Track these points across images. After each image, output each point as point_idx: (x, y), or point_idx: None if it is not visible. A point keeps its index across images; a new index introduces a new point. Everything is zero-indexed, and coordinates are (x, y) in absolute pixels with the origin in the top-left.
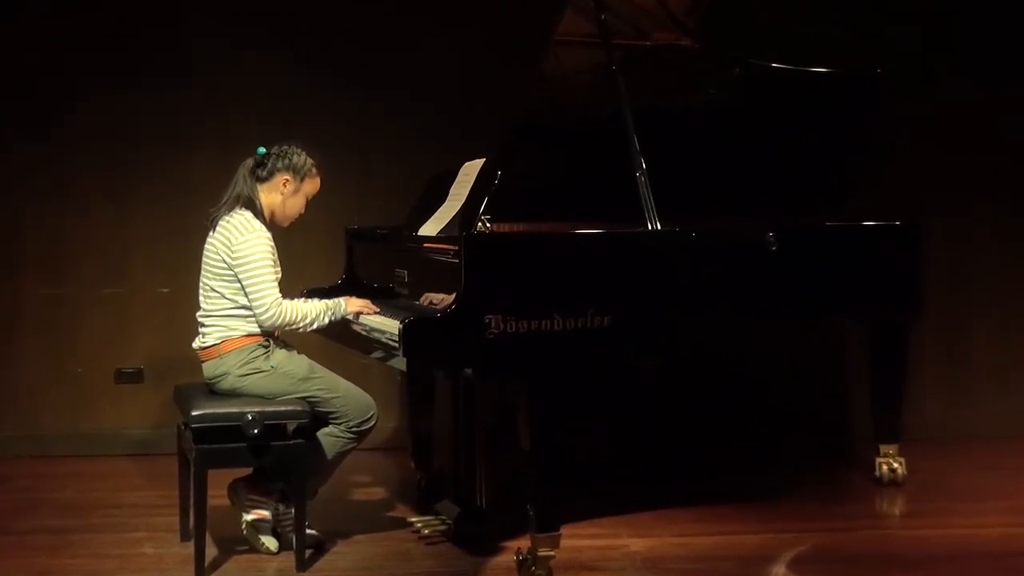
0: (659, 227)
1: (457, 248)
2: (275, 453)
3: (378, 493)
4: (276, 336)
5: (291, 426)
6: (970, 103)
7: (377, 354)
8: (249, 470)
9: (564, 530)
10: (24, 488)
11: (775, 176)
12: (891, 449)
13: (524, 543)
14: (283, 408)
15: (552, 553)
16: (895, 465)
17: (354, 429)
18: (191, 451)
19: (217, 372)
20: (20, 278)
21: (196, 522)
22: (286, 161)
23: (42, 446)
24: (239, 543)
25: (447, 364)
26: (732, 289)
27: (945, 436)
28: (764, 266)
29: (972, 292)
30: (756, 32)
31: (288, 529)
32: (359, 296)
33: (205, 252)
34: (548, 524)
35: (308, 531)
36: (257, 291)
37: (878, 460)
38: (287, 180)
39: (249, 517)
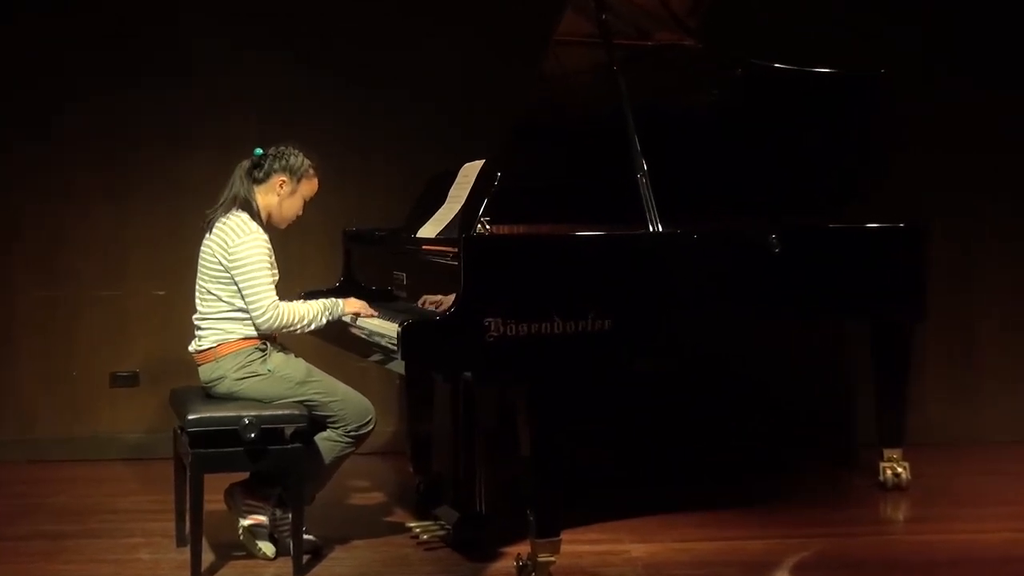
0: (660, 229)
1: (456, 250)
2: (272, 457)
3: (376, 498)
4: (274, 339)
5: (288, 430)
6: (970, 103)
7: (375, 357)
8: (246, 475)
9: (564, 535)
10: (19, 493)
11: (777, 177)
12: (895, 453)
13: (524, 548)
14: (280, 412)
15: (552, 559)
16: (899, 470)
17: (352, 433)
18: (187, 455)
19: (213, 375)
20: (16, 279)
21: (192, 527)
22: (283, 162)
23: (37, 450)
24: (236, 548)
25: (446, 367)
26: (734, 291)
27: (948, 440)
28: (767, 268)
29: (975, 294)
30: (756, 32)
31: (285, 534)
32: (357, 299)
33: (201, 254)
34: (548, 529)
35: (306, 536)
36: (253, 294)
37: (882, 464)
38: (284, 181)
39: (246, 522)
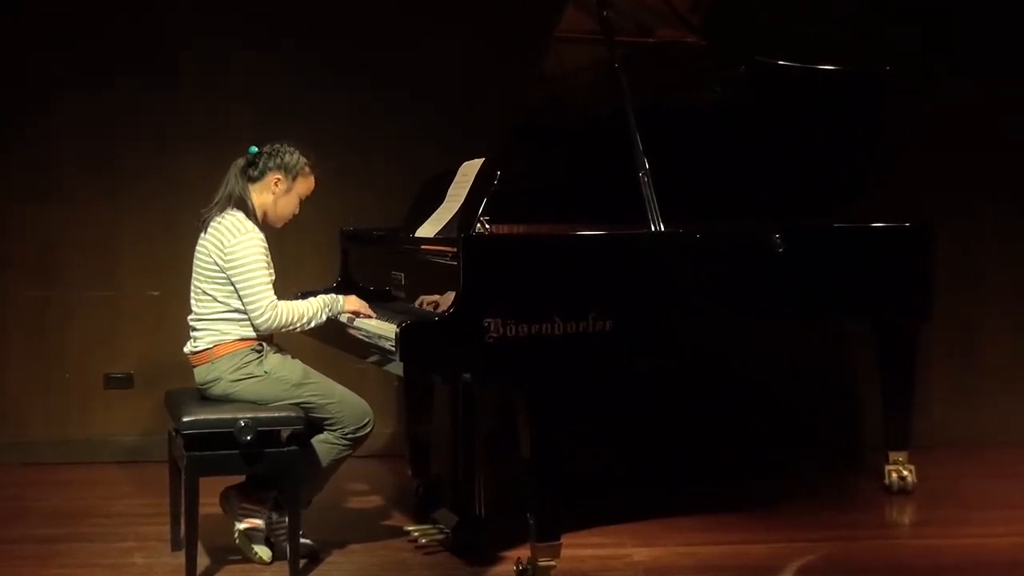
0: (662, 228)
1: (455, 250)
2: (268, 460)
3: (374, 501)
4: (270, 340)
5: (285, 433)
6: (971, 103)
7: (373, 358)
8: (242, 478)
9: (565, 539)
10: (11, 496)
11: (780, 176)
12: (900, 456)
13: (524, 552)
14: (277, 414)
15: (553, 563)
16: (905, 473)
17: (349, 436)
18: (182, 458)
19: (209, 377)
20: (6, 280)
21: (187, 531)
22: (277, 160)
23: (29, 453)
24: (231, 553)
25: (445, 369)
26: (738, 292)
27: (954, 442)
28: (770, 268)
29: (981, 294)
30: (755, 33)
31: (282, 538)
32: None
33: (196, 254)
34: (549, 533)
35: (302, 540)
36: (251, 294)
37: (887, 468)
38: (279, 179)
39: (242, 526)
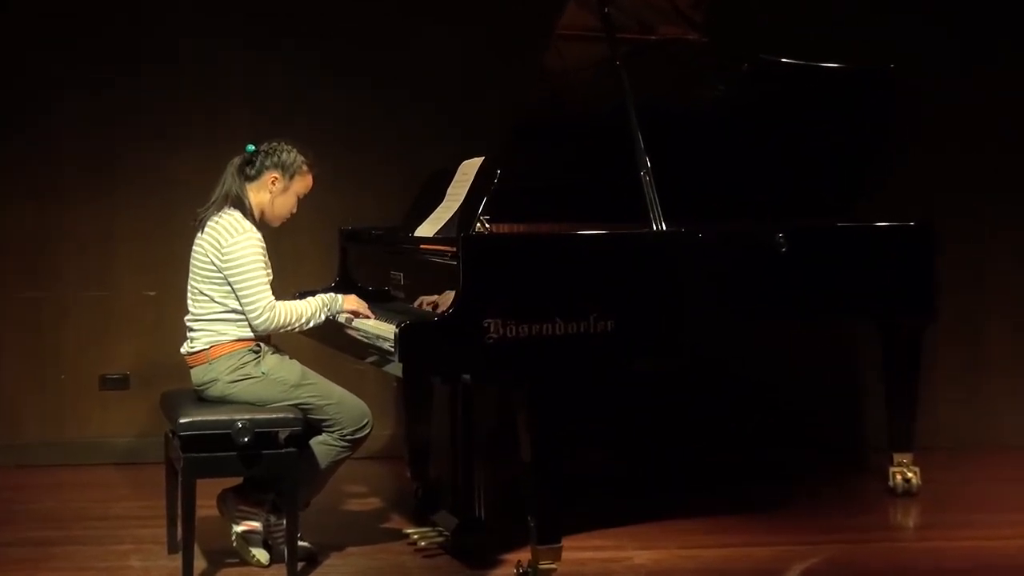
0: (664, 228)
1: (455, 250)
2: (266, 462)
3: (373, 504)
4: (268, 341)
5: (283, 434)
6: (972, 103)
7: (372, 359)
8: (239, 480)
9: (566, 542)
10: (5, 499)
11: (784, 175)
12: (905, 458)
13: (524, 555)
14: (274, 415)
15: (554, 566)
16: (909, 475)
17: (348, 437)
18: (179, 460)
19: (206, 378)
20: (1, 280)
21: (184, 534)
22: (275, 158)
23: (24, 455)
24: (229, 555)
25: (444, 370)
26: (740, 292)
27: (959, 444)
28: (773, 268)
29: (987, 294)
30: (755, 33)
31: (280, 541)
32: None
33: (193, 254)
34: (549, 536)
35: (300, 543)
36: (249, 295)
37: (892, 470)
38: (276, 178)
39: (239, 528)
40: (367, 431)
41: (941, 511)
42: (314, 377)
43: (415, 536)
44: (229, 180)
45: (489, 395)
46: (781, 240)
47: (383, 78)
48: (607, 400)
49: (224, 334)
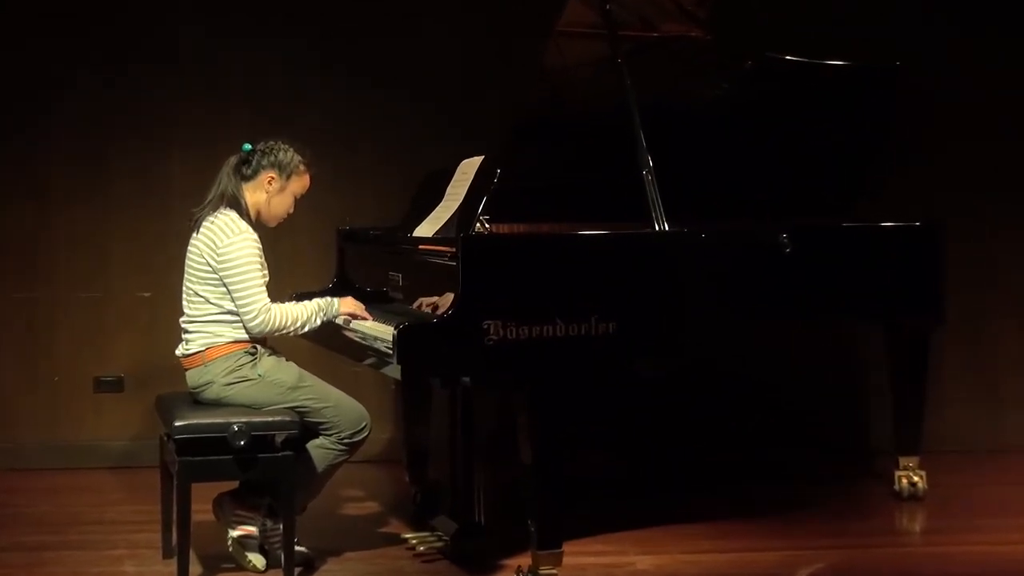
0: (667, 228)
1: (454, 250)
2: (262, 466)
3: (371, 508)
4: (264, 343)
5: (279, 437)
6: (973, 102)
7: (370, 361)
8: (235, 484)
9: (567, 546)
10: None
11: (788, 174)
12: (911, 462)
13: (525, 560)
14: (271, 418)
15: (555, 571)
16: (915, 479)
17: (346, 440)
18: (174, 464)
19: (202, 381)
20: None
21: (179, 539)
22: (271, 158)
23: (17, 458)
24: (224, 560)
25: (444, 372)
26: (744, 293)
27: (966, 447)
28: (778, 269)
29: (995, 293)
30: (754, 33)
31: (276, 546)
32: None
33: (188, 255)
34: (550, 540)
35: (297, 548)
36: (244, 296)
37: (898, 473)
38: (272, 178)
39: (235, 533)
40: (365, 434)
41: (948, 515)
42: (311, 379)
43: (414, 541)
44: (225, 180)
45: (488, 397)
46: (785, 240)
47: (382, 77)
48: (607, 401)
49: (220, 336)
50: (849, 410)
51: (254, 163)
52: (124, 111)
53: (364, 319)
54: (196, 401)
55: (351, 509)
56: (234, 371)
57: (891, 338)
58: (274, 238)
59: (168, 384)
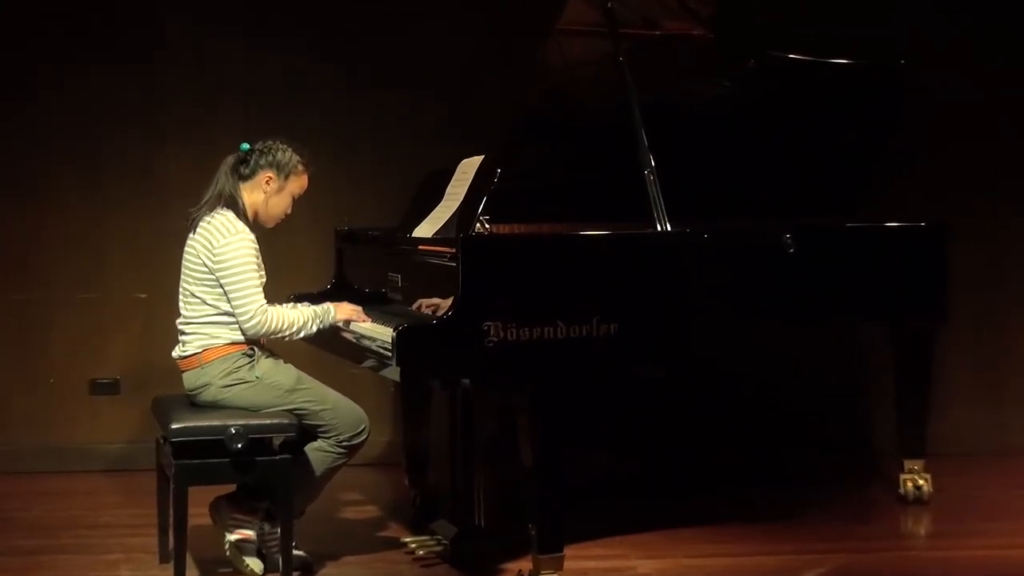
0: (669, 228)
1: (454, 251)
2: (260, 469)
3: (370, 511)
4: (262, 344)
5: (277, 440)
6: (973, 102)
7: (369, 363)
8: (232, 487)
9: (568, 550)
10: None
11: (788, 173)
12: (916, 465)
13: (525, 565)
14: (269, 421)
15: (556, 575)
16: (920, 482)
17: (344, 443)
18: (170, 467)
19: (198, 383)
20: None
21: (176, 543)
22: (269, 158)
23: (11, 461)
24: (222, 565)
25: (443, 374)
26: (747, 293)
27: (972, 449)
28: (781, 269)
29: (1001, 294)
30: (754, 33)
31: (274, 550)
32: (349, 302)
33: (185, 255)
34: (551, 544)
35: (295, 552)
36: (240, 297)
37: (902, 477)
38: (270, 178)
39: (232, 537)
40: (364, 437)
41: (953, 519)
42: (309, 382)
43: (413, 545)
44: (222, 179)
45: (489, 400)
46: (789, 240)
47: (382, 76)
48: (608, 401)
49: (217, 337)
50: (852, 410)
51: (252, 163)
52: (121, 111)
53: (364, 320)
54: (193, 403)
55: (350, 513)
56: (231, 373)
57: (895, 338)
58: (272, 239)
59: (165, 386)
